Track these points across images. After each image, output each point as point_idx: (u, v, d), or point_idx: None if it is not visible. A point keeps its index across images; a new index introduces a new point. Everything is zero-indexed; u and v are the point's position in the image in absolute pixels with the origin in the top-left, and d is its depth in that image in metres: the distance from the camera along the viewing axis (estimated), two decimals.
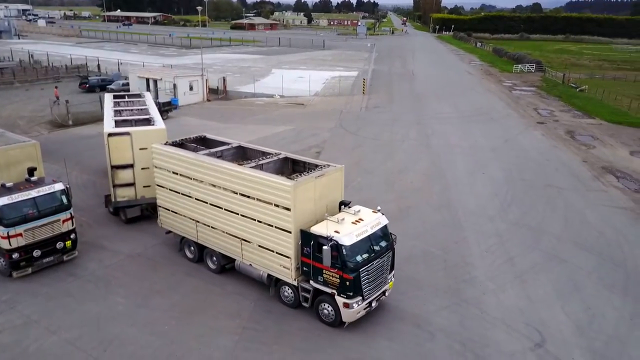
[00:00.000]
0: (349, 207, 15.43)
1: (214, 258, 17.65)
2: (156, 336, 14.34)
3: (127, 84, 50.39)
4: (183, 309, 15.69)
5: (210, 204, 16.73)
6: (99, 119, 39.18)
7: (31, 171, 18.08)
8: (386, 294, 15.37)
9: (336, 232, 13.91)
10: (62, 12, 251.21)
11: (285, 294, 15.69)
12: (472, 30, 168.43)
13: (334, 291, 14.16)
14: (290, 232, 14.60)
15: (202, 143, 20.09)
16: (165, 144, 18.84)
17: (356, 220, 14.67)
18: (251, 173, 15.43)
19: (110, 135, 20.18)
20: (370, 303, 14.58)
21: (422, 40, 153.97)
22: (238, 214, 15.91)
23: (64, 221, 17.77)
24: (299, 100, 50.80)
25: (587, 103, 51.45)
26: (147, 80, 48.28)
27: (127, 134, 20.33)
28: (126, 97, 28.24)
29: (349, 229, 14.20)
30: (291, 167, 17.83)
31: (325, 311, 14.68)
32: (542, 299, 16.31)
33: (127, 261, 18.61)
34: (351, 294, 13.95)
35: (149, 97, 28.32)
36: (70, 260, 18.25)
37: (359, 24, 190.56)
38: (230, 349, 13.83)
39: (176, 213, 18.29)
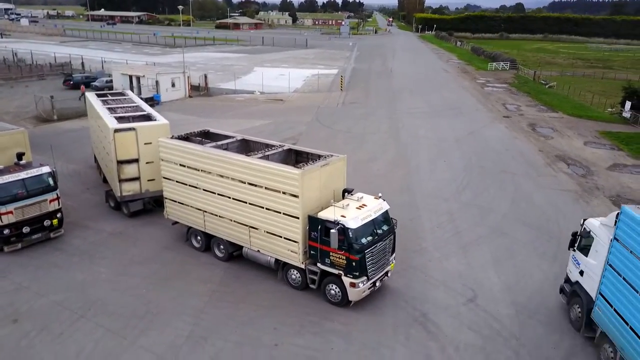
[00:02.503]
0: (352, 194, 16.54)
1: (222, 246, 18.34)
2: (135, 298, 16.14)
3: (111, 81, 51.77)
4: (160, 276, 17.50)
5: (218, 194, 17.46)
6: (83, 114, 40.63)
7: (20, 156, 19.76)
8: (389, 274, 16.46)
9: (342, 216, 14.89)
10: (45, 11, 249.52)
11: (293, 277, 16.56)
12: (455, 29, 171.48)
13: (341, 272, 15.10)
14: (298, 218, 15.44)
15: (206, 137, 20.81)
16: (171, 138, 19.50)
17: (360, 206, 15.67)
18: (260, 163, 16.23)
19: (116, 131, 20.52)
20: (374, 283, 15.57)
21: (404, 39, 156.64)
22: (246, 202, 16.68)
23: (50, 201, 19.44)
24: (278, 97, 52.62)
25: (553, 98, 54.10)
26: (130, 77, 49.73)
27: (133, 129, 20.85)
28: (109, 95, 28.57)
29: (354, 213, 15.19)
30: (294, 158, 18.57)
31: (332, 292, 15.59)
32: (480, 265, 18.44)
33: (109, 238, 20.34)
34: (357, 274, 14.88)
35: (133, 95, 29.25)
36: (57, 237, 19.95)
37: (343, 23, 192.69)
38: (201, 307, 15.69)
39: (183, 204, 18.93)
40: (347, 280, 15.06)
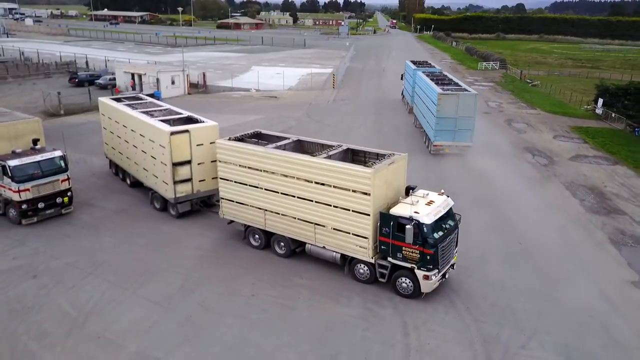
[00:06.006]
0: (415, 191, 17.30)
1: (282, 243, 19.00)
2: (135, 260, 18.95)
3: (114, 79, 54.69)
4: (157, 244, 20.31)
5: (282, 193, 18.09)
6: (88, 109, 43.93)
7: (35, 141, 22.63)
8: (454, 267, 17.46)
9: (416, 212, 15.69)
10: (48, 11, 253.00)
11: (361, 271, 17.27)
12: (453, 30, 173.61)
13: (414, 265, 15.93)
14: (369, 215, 16.14)
15: (259, 138, 21.27)
16: (228, 139, 19.95)
17: (428, 202, 16.50)
18: (330, 163, 16.87)
19: (172, 134, 20.99)
20: (444, 275, 16.59)
21: (402, 39, 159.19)
22: (312, 200, 17.32)
23: (62, 181, 22.28)
24: (272, 94, 55.43)
25: (535, 96, 56.79)
26: (132, 75, 52.62)
27: (187, 131, 21.37)
28: (124, 100, 28.73)
29: (426, 209, 15.98)
30: (351, 157, 19.25)
31: (404, 284, 16.33)
32: None
33: (113, 215, 23.17)
34: (431, 267, 15.72)
35: (149, 98, 30.26)
36: (67, 213, 22.78)
37: (342, 23, 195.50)
38: (191, 267, 18.50)
39: (241, 204, 19.50)
40: (420, 274, 15.87)
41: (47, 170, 21.72)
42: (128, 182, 26.51)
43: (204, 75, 57.45)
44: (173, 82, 52.75)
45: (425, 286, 16.02)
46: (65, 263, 18.61)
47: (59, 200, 22.22)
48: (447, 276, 16.97)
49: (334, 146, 19.17)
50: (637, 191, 27.45)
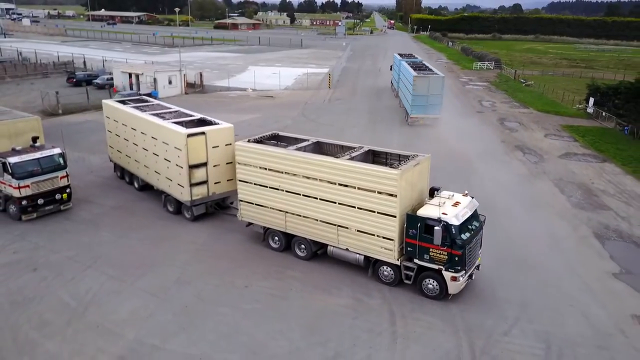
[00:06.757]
0: (439, 192, 17.26)
1: (303, 246, 18.85)
2: (133, 254, 19.51)
3: (111, 79, 55.19)
4: (154, 238, 20.89)
5: (303, 195, 17.97)
6: (86, 108, 44.44)
7: (35, 139, 23.16)
8: (479, 267, 17.45)
9: (444, 214, 15.63)
10: (45, 11, 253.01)
11: (385, 273, 17.16)
12: (449, 30, 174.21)
13: (441, 267, 15.87)
14: (394, 217, 16.03)
15: (277, 140, 21.03)
16: (247, 141, 19.82)
17: (455, 203, 16.40)
18: (355, 165, 16.84)
19: (189, 136, 20.79)
20: (470, 275, 16.67)
21: (398, 39, 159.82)
22: (335, 202, 17.22)
23: (61, 178, 22.82)
24: (269, 93, 55.99)
25: (528, 96, 57.48)
26: (130, 75, 53.10)
27: (203, 133, 21.20)
28: (130, 102, 28.12)
29: (454, 211, 15.93)
30: (372, 158, 19.10)
31: (430, 286, 16.30)
32: None
33: (111, 211, 23.72)
34: (459, 268, 15.71)
35: (154, 100, 30.24)
36: (66, 209, 23.32)
37: (339, 24, 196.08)
38: (187, 261, 19.08)
39: (261, 206, 19.36)
40: (448, 275, 15.88)
41: (46, 167, 22.27)
42: (136, 185, 26.14)
43: (200, 75, 57.97)
44: (170, 82, 53.27)
45: (453, 287, 16.07)
46: (65, 257, 19.15)
47: (58, 196, 22.75)
48: (473, 277, 17.06)
49: (355, 147, 19.08)
50: (624, 188, 28.13)
